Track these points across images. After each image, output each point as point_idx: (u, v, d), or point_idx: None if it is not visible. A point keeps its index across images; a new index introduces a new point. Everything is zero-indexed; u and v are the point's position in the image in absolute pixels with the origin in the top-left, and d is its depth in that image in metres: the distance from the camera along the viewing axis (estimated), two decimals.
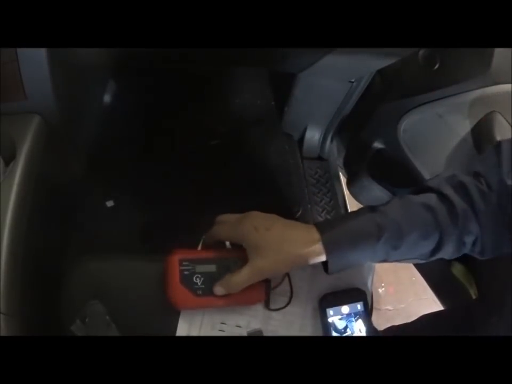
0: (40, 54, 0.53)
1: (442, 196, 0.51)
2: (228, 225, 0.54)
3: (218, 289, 0.52)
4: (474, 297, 0.76)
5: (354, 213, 0.53)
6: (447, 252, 0.52)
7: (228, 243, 0.57)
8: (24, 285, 0.50)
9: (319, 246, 0.49)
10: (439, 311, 0.77)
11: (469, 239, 0.51)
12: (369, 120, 1.01)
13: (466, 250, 0.53)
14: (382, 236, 0.49)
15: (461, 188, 0.51)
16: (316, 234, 0.50)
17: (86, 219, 0.95)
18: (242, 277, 0.50)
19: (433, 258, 0.52)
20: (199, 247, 0.58)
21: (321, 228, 0.50)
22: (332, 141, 1.17)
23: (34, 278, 0.55)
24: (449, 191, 0.51)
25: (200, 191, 1.01)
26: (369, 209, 0.52)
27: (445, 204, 0.51)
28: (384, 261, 0.52)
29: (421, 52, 0.87)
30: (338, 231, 0.50)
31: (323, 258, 0.50)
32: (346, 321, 0.58)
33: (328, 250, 0.49)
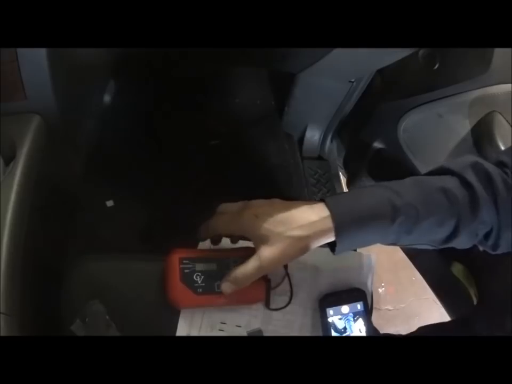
0: (40, 54, 0.53)
1: (464, 182, 0.48)
2: (226, 217, 0.51)
3: (226, 285, 0.49)
4: (474, 297, 0.76)
5: (366, 190, 0.49)
6: (460, 242, 0.49)
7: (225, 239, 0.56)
8: (24, 285, 0.50)
9: (328, 224, 0.45)
10: (438, 323, 0.76)
11: (482, 231, 0.48)
12: (369, 120, 1.01)
13: (476, 241, 0.50)
14: (397, 218, 0.46)
15: (485, 176, 0.48)
16: (323, 211, 0.46)
17: (86, 219, 0.95)
18: (250, 269, 0.47)
19: (445, 246, 0.50)
20: (199, 246, 0.58)
21: (331, 204, 0.46)
22: (331, 140, 1.17)
23: (34, 278, 0.55)
24: (472, 178, 0.47)
25: (200, 191, 1.01)
26: (383, 187, 0.48)
27: (467, 191, 0.47)
28: (393, 244, 0.49)
29: (421, 51, 0.87)
30: (350, 209, 0.46)
31: (332, 237, 0.46)
32: (346, 321, 0.58)
33: (338, 229, 0.45)
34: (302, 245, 0.46)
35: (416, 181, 0.49)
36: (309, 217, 0.46)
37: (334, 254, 0.49)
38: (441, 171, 0.51)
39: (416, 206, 0.46)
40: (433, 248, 0.51)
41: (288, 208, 0.48)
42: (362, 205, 0.47)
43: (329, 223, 0.46)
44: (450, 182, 0.48)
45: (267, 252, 0.47)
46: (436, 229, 0.48)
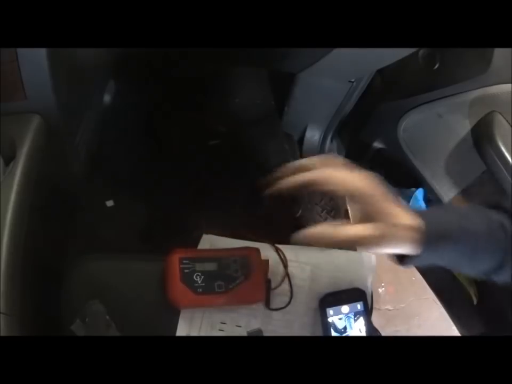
0: (40, 54, 0.53)
1: None
2: (344, 172, 0.47)
3: (309, 234, 0.45)
4: (474, 297, 0.76)
5: (441, 211, 0.50)
6: (500, 276, 0.50)
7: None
8: (24, 285, 0.50)
9: (416, 236, 0.45)
10: (445, 337, 0.76)
11: None
12: (369, 120, 1.01)
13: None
14: (465, 244, 0.47)
15: None
16: (415, 221, 0.45)
17: (86, 219, 0.95)
18: (361, 230, 0.45)
19: (485, 277, 0.51)
20: (199, 246, 0.58)
21: (422, 218, 0.46)
22: (331, 140, 1.17)
23: (34, 278, 0.55)
24: None
25: (200, 191, 1.01)
26: (453, 212, 0.50)
27: None
28: (451, 268, 0.51)
29: (421, 51, 0.87)
30: (436, 227, 0.46)
31: (411, 249, 0.46)
32: (346, 321, 0.58)
33: (426, 243, 0.45)
34: (390, 241, 0.45)
35: (479, 210, 0.51)
36: (407, 221, 0.46)
37: (402, 265, 0.49)
38: (496, 207, 0.52)
39: (481, 235, 0.48)
40: (474, 276, 0.52)
41: (393, 204, 0.47)
42: (444, 224, 0.47)
43: (417, 235, 0.45)
44: (504, 218, 0.50)
45: (380, 229, 0.45)
46: (487, 260, 0.49)
